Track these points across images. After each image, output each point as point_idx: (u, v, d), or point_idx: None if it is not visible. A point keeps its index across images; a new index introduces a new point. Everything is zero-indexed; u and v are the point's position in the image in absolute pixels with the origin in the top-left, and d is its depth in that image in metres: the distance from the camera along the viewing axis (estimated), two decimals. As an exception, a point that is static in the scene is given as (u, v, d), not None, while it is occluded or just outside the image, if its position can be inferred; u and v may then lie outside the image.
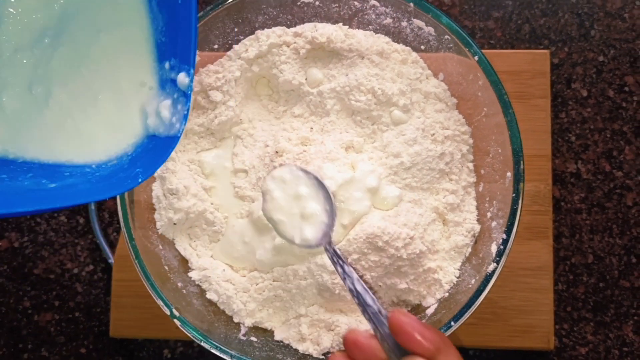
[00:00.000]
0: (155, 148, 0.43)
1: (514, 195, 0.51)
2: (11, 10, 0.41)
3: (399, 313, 0.39)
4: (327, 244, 0.48)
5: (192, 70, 0.43)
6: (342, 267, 0.45)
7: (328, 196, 0.50)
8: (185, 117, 0.43)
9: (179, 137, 0.42)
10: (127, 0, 0.44)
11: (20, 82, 0.41)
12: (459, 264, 0.56)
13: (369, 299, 0.42)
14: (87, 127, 0.43)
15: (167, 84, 0.44)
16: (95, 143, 0.43)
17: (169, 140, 0.43)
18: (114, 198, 0.61)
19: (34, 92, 0.42)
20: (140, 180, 0.40)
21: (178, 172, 0.57)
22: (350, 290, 0.44)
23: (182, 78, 0.43)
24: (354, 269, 0.47)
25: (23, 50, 0.42)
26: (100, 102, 0.44)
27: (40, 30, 0.42)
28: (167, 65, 0.44)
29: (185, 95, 0.43)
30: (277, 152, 0.55)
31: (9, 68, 0.41)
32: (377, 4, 0.56)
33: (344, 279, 0.45)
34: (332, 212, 0.49)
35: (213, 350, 0.51)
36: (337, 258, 0.46)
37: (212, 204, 0.58)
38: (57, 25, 0.43)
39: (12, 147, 0.41)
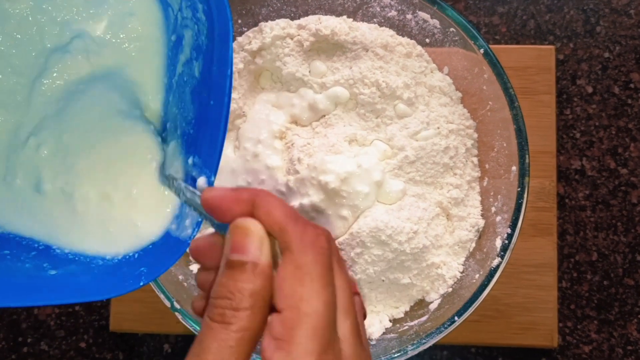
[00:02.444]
0: (163, 248, 0.40)
1: (519, 189, 0.51)
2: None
3: (207, 190, 0.33)
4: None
5: (213, 178, 0.38)
6: (173, 185, 0.39)
7: None
8: (199, 224, 0.38)
9: (188, 244, 0.38)
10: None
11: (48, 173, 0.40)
12: (463, 259, 0.55)
13: (197, 198, 0.35)
14: (114, 218, 0.40)
15: (188, 181, 0.40)
16: (118, 236, 0.40)
17: (178, 244, 0.39)
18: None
19: (62, 185, 0.40)
20: (142, 283, 0.37)
21: (180, 164, 0.57)
22: (185, 201, 0.37)
23: (202, 183, 0.38)
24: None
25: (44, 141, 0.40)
26: (131, 195, 0.41)
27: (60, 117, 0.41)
28: (190, 160, 0.39)
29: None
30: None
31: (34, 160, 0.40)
32: (382, -4, 0.56)
33: (177, 195, 0.38)
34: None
35: (214, 344, 0.51)
36: (167, 179, 0.40)
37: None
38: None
39: (18, 223, 0.40)
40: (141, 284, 0.37)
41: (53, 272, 0.37)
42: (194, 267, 0.56)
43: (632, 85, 0.69)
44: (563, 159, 0.68)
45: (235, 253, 0.30)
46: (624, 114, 0.69)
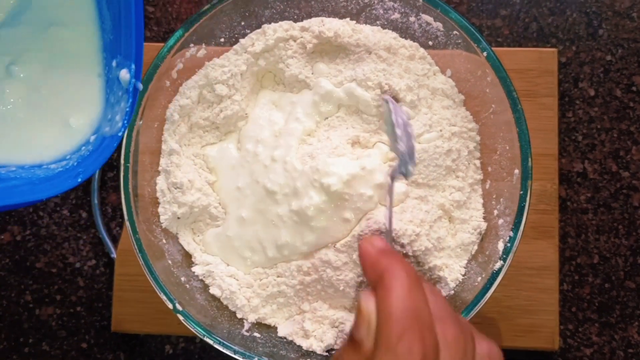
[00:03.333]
0: (100, 147, 0.43)
1: (521, 192, 0.51)
2: None
3: (367, 242, 0.38)
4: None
5: (133, 66, 0.42)
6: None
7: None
8: (129, 114, 0.42)
9: (120, 137, 0.42)
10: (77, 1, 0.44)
11: None
12: (465, 261, 0.55)
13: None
14: (33, 127, 0.42)
15: (114, 84, 0.43)
16: (41, 143, 0.42)
17: (112, 139, 0.42)
18: (119, 191, 0.61)
19: None
20: (80, 180, 0.40)
21: (183, 166, 0.57)
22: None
23: (124, 74, 0.42)
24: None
25: None
26: (48, 102, 0.43)
27: None
28: (114, 63, 0.43)
29: (127, 92, 0.42)
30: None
31: None
32: (385, -2, 0.56)
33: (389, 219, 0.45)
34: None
35: (216, 346, 0.51)
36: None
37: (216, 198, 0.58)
38: (5, 20, 0.42)
39: None
40: (79, 180, 0.39)
41: None
42: (197, 269, 0.57)
43: (634, 88, 0.69)
44: (565, 162, 0.68)
45: (353, 327, 0.34)
46: (626, 117, 0.69)
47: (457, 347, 0.33)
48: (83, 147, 0.43)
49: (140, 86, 0.43)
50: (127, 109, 0.42)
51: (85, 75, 0.44)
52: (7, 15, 0.43)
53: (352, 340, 0.34)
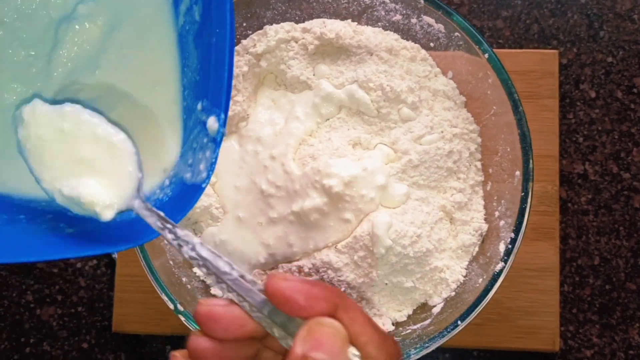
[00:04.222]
0: (180, 196, 0.39)
1: (522, 194, 0.51)
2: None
3: (275, 279, 0.30)
4: (137, 201, 0.37)
5: (222, 115, 0.37)
6: (174, 233, 0.34)
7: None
8: (213, 165, 0.38)
9: (203, 188, 0.38)
10: (156, 31, 0.41)
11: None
12: (466, 263, 0.55)
13: (222, 264, 0.32)
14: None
15: (196, 127, 0.40)
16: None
17: (194, 188, 0.38)
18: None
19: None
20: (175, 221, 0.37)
21: (184, 166, 0.57)
22: (193, 258, 0.33)
23: (212, 122, 0.38)
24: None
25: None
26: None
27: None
28: (199, 106, 0.39)
29: (214, 141, 0.38)
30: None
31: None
32: (386, 0, 0.56)
33: (179, 248, 0.34)
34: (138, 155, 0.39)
35: (217, 346, 0.51)
36: (162, 221, 0.35)
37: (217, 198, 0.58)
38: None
39: (32, 189, 0.39)
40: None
41: (70, 230, 0.37)
42: (198, 270, 0.57)
43: (635, 90, 0.69)
44: (566, 163, 0.68)
45: (316, 351, 0.29)
46: (627, 118, 0.69)
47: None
48: (158, 191, 0.40)
49: (223, 137, 0.38)
50: (213, 160, 0.38)
51: (165, 117, 0.41)
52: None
53: None
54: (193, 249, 0.33)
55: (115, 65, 0.42)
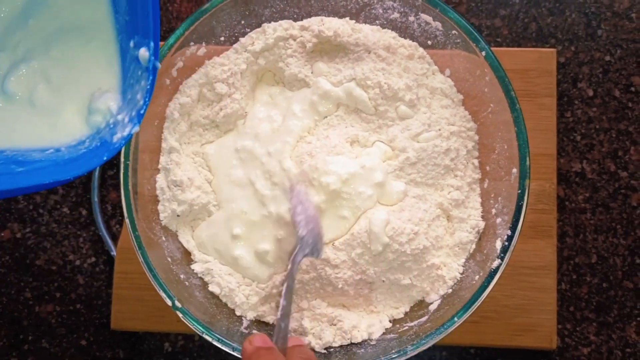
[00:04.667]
0: (122, 126, 0.43)
1: (519, 191, 0.51)
2: None
3: (245, 341, 0.45)
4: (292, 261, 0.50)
5: (152, 44, 0.42)
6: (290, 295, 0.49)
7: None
8: (149, 92, 0.43)
9: (142, 114, 0.42)
10: None
11: None
12: (463, 260, 0.56)
13: (283, 324, 0.48)
14: (53, 111, 0.43)
15: (132, 64, 0.44)
16: (61, 126, 0.43)
17: (135, 118, 0.43)
18: (119, 189, 0.61)
19: None
20: (105, 158, 0.41)
21: (182, 164, 0.57)
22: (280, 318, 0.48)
23: (143, 52, 0.42)
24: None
25: None
26: (67, 87, 0.44)
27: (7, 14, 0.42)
28: (131, 43, 0.43)
29: (147, 70, 0.43)
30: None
31: None
32: (384, -2, 0.56)
33: (282, 308, 0.49)
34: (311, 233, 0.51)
35: (215, 343, 0.51)
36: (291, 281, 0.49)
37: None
38: (21, 11, 0.43)
39: None
40: (104, 159, 0.40)
41: (20, 169, 0.39)
42: (196, 267, 0.57)
43: (632, 89, 0.69)
44: (563, 162, 0.68)
45: None
46: (624, 117, 0.69)
47: None
48: (104, 130, 0.43)
49: (159, 64, 0.43)
50: (148, 87, 0.42)
51: (102, 58, 0.44)
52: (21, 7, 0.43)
53: None
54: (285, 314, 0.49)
55: (48, 20, 0.44)
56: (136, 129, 0.42)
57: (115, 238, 0.69)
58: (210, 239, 0.57)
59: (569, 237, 0.68)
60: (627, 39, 0.70)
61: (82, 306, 0.70)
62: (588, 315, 0.67)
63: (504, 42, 0.71)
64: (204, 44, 0.57)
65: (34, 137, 0.42)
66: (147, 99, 0.42)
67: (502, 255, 0.51)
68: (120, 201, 0.54)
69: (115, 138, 0.42)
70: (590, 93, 0.69)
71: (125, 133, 0.42)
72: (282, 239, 0.54)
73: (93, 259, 0.70)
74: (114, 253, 0.68)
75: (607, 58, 0.70)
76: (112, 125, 0.43)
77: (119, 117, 0.43)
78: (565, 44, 0.70)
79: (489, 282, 0.50)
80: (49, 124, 0.43)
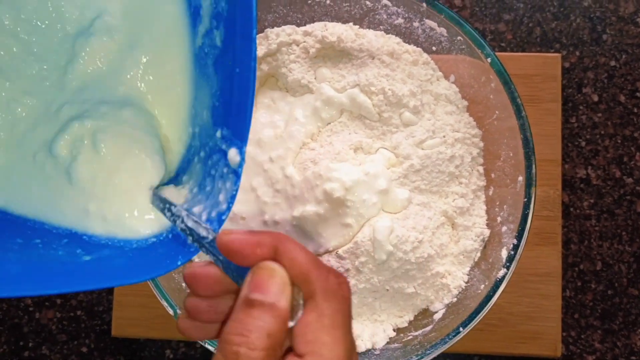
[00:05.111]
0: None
1: (525, 199, 0.51)
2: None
3: (221, 234, 0.33)
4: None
5: (244, 148, 0.36)
6: (170, 210, 0.38)
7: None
8: (234, 197, 0.37)
9: (223, 221, 0.36)
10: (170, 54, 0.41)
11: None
12: (468, 268, 0.55)
13: (201, 230, 0.35)
14: (133, 200, 0.40)
15: (215, 154, 0.39)
16: (138, 218, 0.40)
17: (214, 221, 0.37)
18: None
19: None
20: (179, 262, 0.36)
21: (184, 170, 0.56)
22: (183, 230, 0.37)
23: (233, 155, 0.36)
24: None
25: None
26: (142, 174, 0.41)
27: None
28: (218, 133, 0.38)
29: (235, 173, 0.37)
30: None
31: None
32: (388, 3, 0.56)
33: (173, 222, 0.38)
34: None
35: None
36: (162, 203, 0.39)
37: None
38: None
39: (48, 213, 0.39)
40: (179, 263, 0.36)
41: (87, 257, 0.36)
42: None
43: (638, 94, 0.69)
44: (568, 168, 0.68)
45: (256, 292, 0.30)
46: (629, 122, 0.68)
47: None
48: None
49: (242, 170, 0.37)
50: (234, 192, 0.36)
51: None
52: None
53: (258, 305, 0.30)
54: (182, 221, 0.36)
55: (133, 81, 0.42)
56: (212, 235, 0.35)
57: (116, 244, 0.69)
58: None
59: (573, 243, 0.67)
60: (632, 44, 0.69)
61: (83, 312, 0.69)
62: (593, 322, 0.66)
63: (508, 47, 0.70)
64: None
65: (102, 222, 0.39)
66: (230, 204, 0.36)
67: (507, 264, 0.50)
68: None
69: (189, 239, 0.36)
70: (595, 98, 0.69)
71: (203, 234, 0.35)
72: None
73: (94, 265, 0.70)
74: (115, 259, 0.67)
75: (612, 63, 0.69)
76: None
77: (195, 209, 0.38)
78: (570, 49, 0.70)
79: (494, 292, 0.50)
80: (124, 209, 0.39)
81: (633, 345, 0.66)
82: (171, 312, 0.51)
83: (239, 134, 0.37)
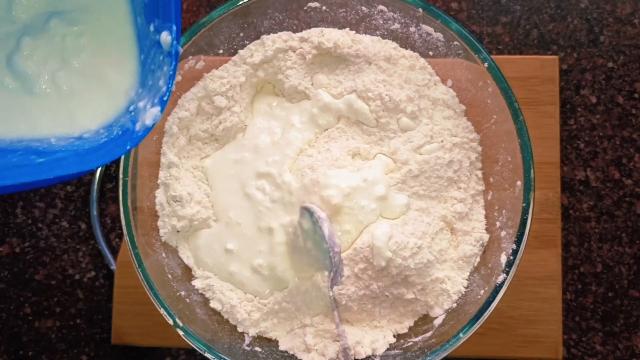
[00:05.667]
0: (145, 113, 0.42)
1: (524, 204, 0.51)
2: None
3: None
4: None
5: (174, 27, 0.41)
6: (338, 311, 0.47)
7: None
8: (172, 77, 0.41)
9: (166, 101, 0.41)
10: None
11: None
12: (467, 273, 0.55)
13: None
14: (74, 98, 0.42)
15: (152, 48, 0.42)
16: (81, 113, 0.42)
17: (158, 104, 0.42)
18: (118, 202, 0.60)
19: (16, 68, 0.41)
20: (128, 147, 0.39)
21: (182, 178, 0.56)
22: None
23: (165, 37, 0.41)
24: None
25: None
26: (85, 72, 0.43)
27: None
28: (151, 27, 0.42)
29: (169, 55, 0.41)
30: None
31: None
32: (384, 9, 0.55)
33: (337, 324, 0.48)
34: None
35: (217, 361, 0.50)
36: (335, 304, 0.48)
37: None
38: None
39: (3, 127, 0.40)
40: (128, 148, 0.39)
41: (40, 159, 0.38)
42: (197, 283, 0.56)
43: (636, 95, 0.69)
44: (567, 170, 0.68)
45: None
46: (628, 124, 0.68)
47: None
48: (124, 117, 0.42)
49: (180, 49, 0.41)
50: (171, 72, 0.41)
51: (119, 41, 0.43)
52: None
53: None
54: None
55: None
56: (159, 116, 0.40)
57: (115, 252, 0.68)
58: (207, 254, 0.56)
59: (573, 246, 0.67)
60: (629, 45, 0.69)
61: (82, 321, 0.69)
62: (594, 325, 0.66)
63: (505, 50, 0.70)
64: (202, 57, 0.56)
65: (52, 123, 0.41)
66: (169, 85, 0.41)
67: (507, 269, 0.50)
68: (119, 214, 0.53)
69: (138, 126, 0.40)
70: (594, 100, 0.69)
71: (148, 121, 0.40)
72: (277, 256, 0.54)
73: (93, 273, 0.70)
74: (113, 267, 0.67)
75: (610, 64, 0.69)
76: (132, 112, 0.42)
77: (140, 104, 0.41)
78: (568, 51, 0.70)
79: (494, 297, 0.50)
80: (68, 108, 0.42)
81: (634, 347, 0.65)
82: (170, 321, 0.51)
83: (167, 16, 0.40)
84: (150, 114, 0.41)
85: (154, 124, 0.40)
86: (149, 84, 0.42)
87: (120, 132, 0.41)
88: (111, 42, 0.43)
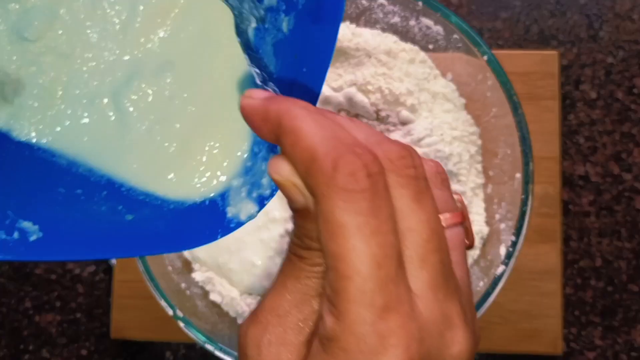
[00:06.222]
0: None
1: (523, 196, 0.51)
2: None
3: (244, 96, 0.27)
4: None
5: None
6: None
7: None
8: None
9: (264, 205, 0.33)
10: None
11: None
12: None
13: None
14: (164, 159, 0.36)
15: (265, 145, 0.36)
16: (196, 180, 0.36)
17: (256, 201, 0.34)
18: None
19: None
20: (219, 236, 0.33)
21: (182, 171, 0.56)
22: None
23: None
24: None
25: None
26: (184, 139, 0.37)
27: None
28: None
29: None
30: None
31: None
32: (384, 2, 0.56)
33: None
34: None
35: (217, 353, 0.50)
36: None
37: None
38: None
39: (92, 155, 0.35)
40: (219, 237, 0.33)
41: (129, 217, 0.34)
42: (197, 275, 0.56)
43: (635, 91, 0.69)
44: (567, 165, 0.68)
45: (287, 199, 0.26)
46: (627, 119, 0.68)
47: (404, 164, 0.25)
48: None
49: None
50: None
51: (230, 130, 0.37)
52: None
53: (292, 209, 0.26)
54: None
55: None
56: (254, 215, 0.32)
57: (115, 246, 0.69)
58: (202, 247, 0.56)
59: (573, 240, 0.67)
60: (629, 40, 0.69)
61: (82, 315, 0.69)
62: (593, 319, 0.66)
63: (505, 45, 0.70)
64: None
65: (140, 169, 0.36)
66: (274, 191, 0.33)
67: (506, 261, 0.50)
68: (119, 210, 0.53)
69: (229, 212, 0.33)
70: (593, 95, 0.69)
71: (242, 216, 0.33)
72: (274, 253, 0.54)
73: (93, 268, 0.70)
74: (114, 261, 0.67)
75: (610, 60, 0.69)
76: (225, 195, 0.35)
77: (234, 182, 0.35)
78: (568, 46, 0.70)
79: (493, 289, 0.50)
80: (157, 164, 0.36)
81: (634, 342, 0.66)
82: (170, 312, 0.51)
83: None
84: (244, 207, 0.33)
85: (245, 222, 0.33)
86: (247, 166, 0.35)
87: (207, 203, 0.35)
88: (221, 125, 0.37)
